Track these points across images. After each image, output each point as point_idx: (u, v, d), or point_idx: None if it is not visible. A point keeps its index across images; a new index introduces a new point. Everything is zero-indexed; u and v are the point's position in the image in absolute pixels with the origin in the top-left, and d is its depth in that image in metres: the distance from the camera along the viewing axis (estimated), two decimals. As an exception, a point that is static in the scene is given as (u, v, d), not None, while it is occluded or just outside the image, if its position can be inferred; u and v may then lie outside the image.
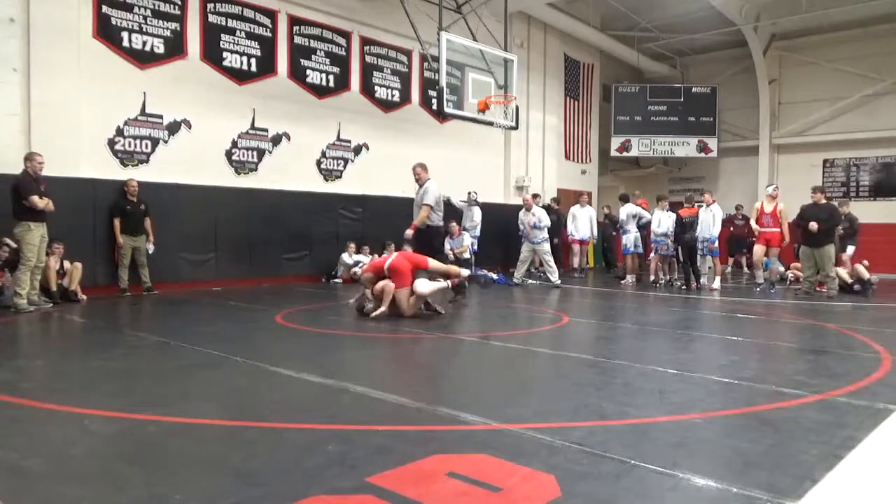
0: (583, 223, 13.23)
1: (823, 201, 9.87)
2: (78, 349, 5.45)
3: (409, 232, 7.90)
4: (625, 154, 17.87)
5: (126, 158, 9.00)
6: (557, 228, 12.84)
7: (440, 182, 13.07)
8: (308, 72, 11.09)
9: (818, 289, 9.91)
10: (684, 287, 10.48)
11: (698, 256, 10.61)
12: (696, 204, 10.80)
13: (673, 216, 11.38)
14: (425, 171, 8.25)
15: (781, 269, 11.22)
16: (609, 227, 14.05)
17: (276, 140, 10.74)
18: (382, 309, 6.64)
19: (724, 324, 7.28)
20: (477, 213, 12.58)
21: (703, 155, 17.73)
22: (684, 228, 10.31)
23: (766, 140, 17.35)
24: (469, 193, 12.65)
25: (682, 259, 10.57)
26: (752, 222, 10.68)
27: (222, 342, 5.39)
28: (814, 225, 9.40)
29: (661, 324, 7.02)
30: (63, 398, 3.56)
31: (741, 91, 17.61)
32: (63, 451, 2.75)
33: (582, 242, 13.42)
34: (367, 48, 12.00)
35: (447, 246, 11.87)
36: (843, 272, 10.16)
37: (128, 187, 8.59)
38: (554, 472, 2.45)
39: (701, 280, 10.63)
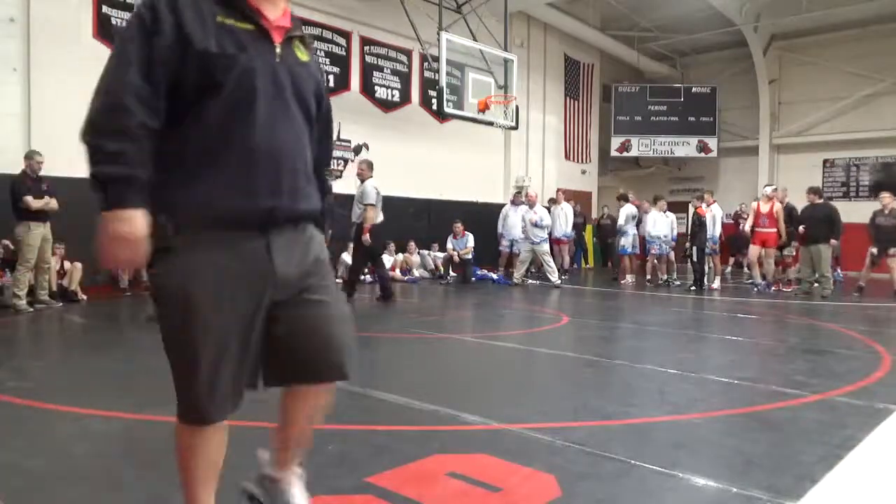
0: (560, 221, 12.70)
1: (819, 201, 10.04)
2: (78, 349, 5.45)
3: (367, 237, 7.79)
4: (625, 154, 17.86)
5: (126, 158, 8.98)
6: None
7: (440, 181, 13.25)
8: (308, 72, 11.06)
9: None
10: (693, 287, 10.45)
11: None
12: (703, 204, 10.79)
13: (670, 217, 11.46)
14: (369, 170, 8.15)
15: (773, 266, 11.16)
16: (610, 228, 14.05)
17: (276, 140, 10.71)
18: None
19: (724, 324, 7.28)
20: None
21: (703, 155, 17.72)
22: (702, 227, 10.33)
23: (766, 140, 17.34)
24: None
25: (695, 259, 10.55)
26: (748, 224, 10.69)
27: (222, 342, 5.36)
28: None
29: (661, 324, 7.02)
30: (63, 398, 3.56)
31: (741, 91, 17.60)
32: (63, 451, 2.74)
33: (560, 241, 12.80)
34: (367, 48, 12.00)
35: (449, 245, 11.85)
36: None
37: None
38: (554, 472, 2.45)
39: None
